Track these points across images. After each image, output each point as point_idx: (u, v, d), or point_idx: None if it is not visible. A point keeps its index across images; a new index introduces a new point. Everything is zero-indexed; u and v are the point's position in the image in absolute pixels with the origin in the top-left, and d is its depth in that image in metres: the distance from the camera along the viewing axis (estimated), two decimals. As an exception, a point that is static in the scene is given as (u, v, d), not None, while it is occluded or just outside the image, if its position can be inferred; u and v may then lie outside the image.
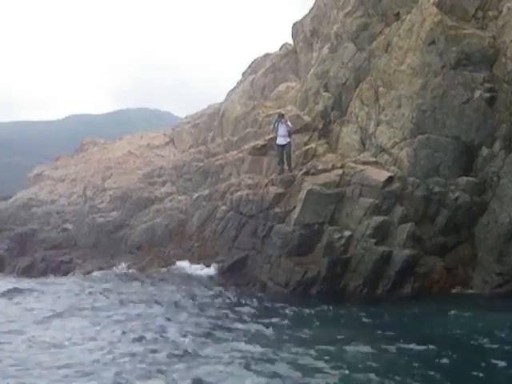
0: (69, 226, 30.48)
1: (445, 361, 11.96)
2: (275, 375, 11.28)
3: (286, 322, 15.68)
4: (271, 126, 24.14)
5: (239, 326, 15.32)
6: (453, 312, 15.93)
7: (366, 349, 12.79)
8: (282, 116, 23.51)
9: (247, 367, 11.76)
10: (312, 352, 12.69)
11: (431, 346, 12.85)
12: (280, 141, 23.37)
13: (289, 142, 23.30)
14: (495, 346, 12.87)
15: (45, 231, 30.71)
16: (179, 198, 28.64)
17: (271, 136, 25.77)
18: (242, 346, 13.31)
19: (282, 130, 23.22)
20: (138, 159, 36.13)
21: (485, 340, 13.34)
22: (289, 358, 12.31)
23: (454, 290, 18.71)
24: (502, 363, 11.63)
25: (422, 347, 12.86)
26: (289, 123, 23.36)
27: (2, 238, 31.37)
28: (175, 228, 26.71)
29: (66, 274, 26.62)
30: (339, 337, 13.83)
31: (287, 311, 17.01)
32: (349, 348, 12.93)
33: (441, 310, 16.32)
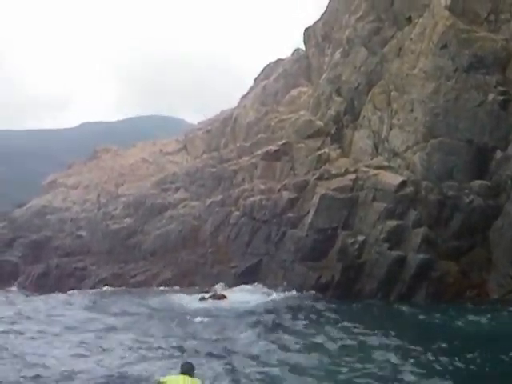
0: (83, 232, 30.63)
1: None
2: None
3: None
4: None
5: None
6: (470, 315, 15.80)
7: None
8: None
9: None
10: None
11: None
12: None
13: None
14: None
15: (59, 238, 30.89)
16: (192, 204, 28.70)
17: (284, 141, 25.81)
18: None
19: None
20: (151, 166, 36.23)
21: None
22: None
23: (468, 294, 18.55)
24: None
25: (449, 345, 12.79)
26: None
27: (17, 245, 31.59)
28: (188, 234, 26.77)
29: (80, 280, 26.74)
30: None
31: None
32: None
33: (457, 313, 16.19)
